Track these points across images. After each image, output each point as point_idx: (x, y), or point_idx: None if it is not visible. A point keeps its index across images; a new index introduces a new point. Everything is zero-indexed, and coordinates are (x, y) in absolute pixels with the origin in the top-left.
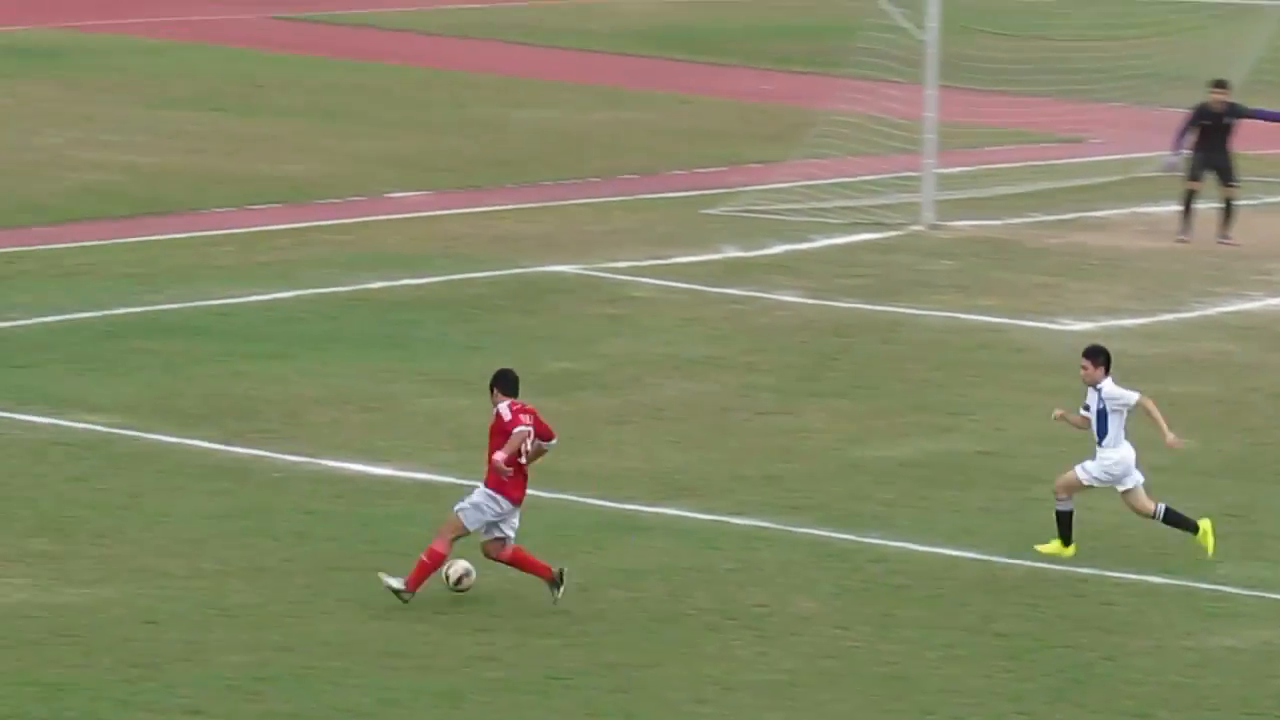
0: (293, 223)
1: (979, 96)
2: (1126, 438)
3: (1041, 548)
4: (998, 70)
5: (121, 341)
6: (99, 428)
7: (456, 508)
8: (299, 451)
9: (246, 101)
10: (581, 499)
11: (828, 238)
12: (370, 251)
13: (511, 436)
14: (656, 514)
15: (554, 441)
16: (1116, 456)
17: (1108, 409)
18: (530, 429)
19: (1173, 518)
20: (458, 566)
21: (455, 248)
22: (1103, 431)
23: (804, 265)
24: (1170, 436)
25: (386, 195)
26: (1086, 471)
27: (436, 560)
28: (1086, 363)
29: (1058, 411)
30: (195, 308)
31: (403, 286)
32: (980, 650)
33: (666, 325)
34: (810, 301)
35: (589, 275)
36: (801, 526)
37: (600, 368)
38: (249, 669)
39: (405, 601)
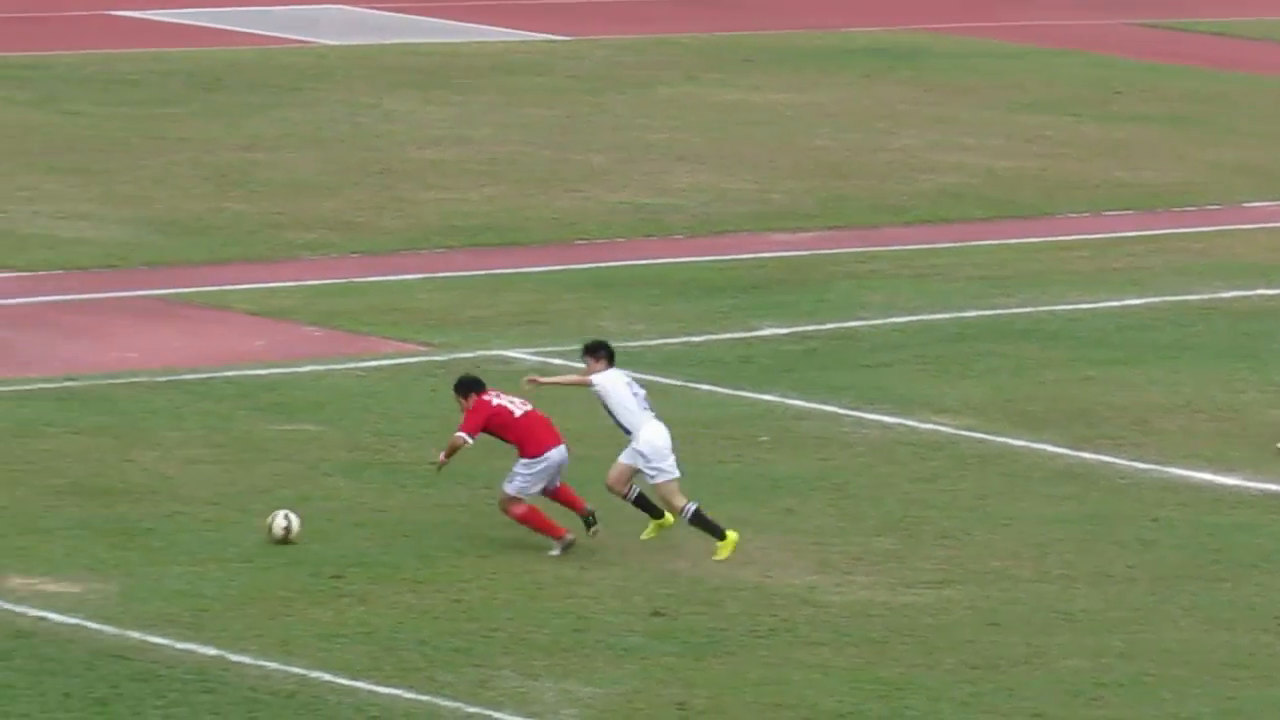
0: (1146, 229)
1: None
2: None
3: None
4: None
5: (971, 344)
6: (946, 429)
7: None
8: (1146, 458)
9: (1104, 107)
10: None
11: None
12: (1224, 260)
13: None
14: None
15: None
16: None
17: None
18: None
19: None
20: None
21: None
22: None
23: None
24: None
25: (1242, 204)
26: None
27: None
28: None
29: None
30: (1046, 312)
31: (1257, 296)
32: None
33: None
34: None
35: None
36: None
37: None
38: (1089, 674)
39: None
